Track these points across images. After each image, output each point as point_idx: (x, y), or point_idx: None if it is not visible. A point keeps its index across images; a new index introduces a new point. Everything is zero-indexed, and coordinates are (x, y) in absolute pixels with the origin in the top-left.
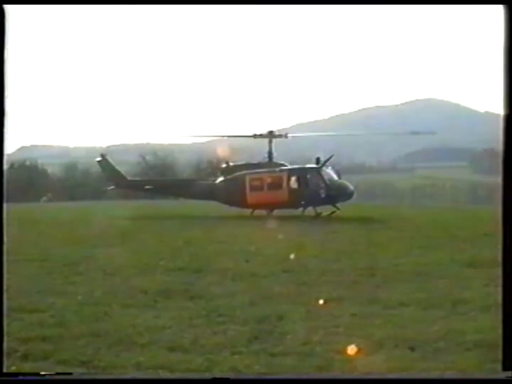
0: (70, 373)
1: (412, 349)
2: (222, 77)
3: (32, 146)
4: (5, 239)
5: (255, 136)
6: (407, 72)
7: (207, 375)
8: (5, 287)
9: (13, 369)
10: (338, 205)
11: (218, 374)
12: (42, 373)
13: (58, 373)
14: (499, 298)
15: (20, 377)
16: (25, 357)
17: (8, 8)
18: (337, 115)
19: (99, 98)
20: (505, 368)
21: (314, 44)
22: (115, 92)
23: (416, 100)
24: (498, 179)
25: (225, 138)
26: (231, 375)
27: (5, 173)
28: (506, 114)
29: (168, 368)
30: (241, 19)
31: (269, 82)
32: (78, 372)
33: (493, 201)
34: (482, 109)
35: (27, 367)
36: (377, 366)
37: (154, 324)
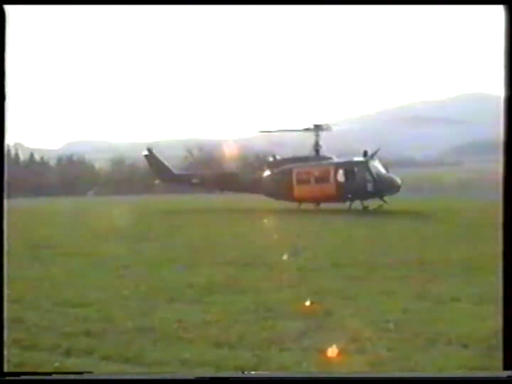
0: (70, 373)
1: (465, 346)
2: (267, 73)
3: (79, 141)
4: (5, 239)
5: (302, 130)
6: (451, 67)
7: (207, 375)
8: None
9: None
10: (385, 198)
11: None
12: (42, 372)
13: (58, 373)
14: None
15: (21, 377)
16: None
17: (8, 8)
18: (384, 110)
19: (145, 94)
20: (506, 367)
21: (358, 41)
22: (159, 88)
23: (462, 94)
24: None
25: (271, 133)
26: (231, 374)
27: (49, 167)
28: (506, 114)
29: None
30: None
31: (315, 77)
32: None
33: None
34: None
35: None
36: (428, 363)
37: (200, 319)
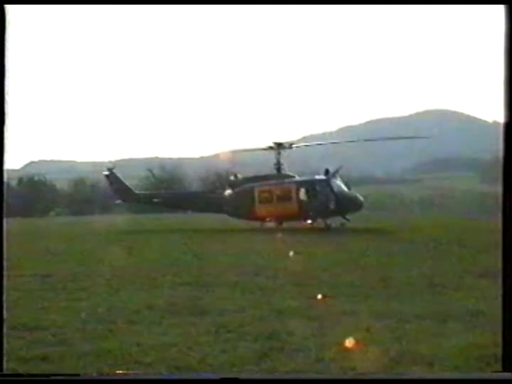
0: (70, 374)
1: (430, 365)
2: (226, 91)
3: (40, 161)
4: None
5: (264, 149)
6: (417, 83)
7: (215, 375)
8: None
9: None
10: (348, 216)
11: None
12: (41, 374)
13: (58, 374)
14: None
15: (20, 377)
16: None
17: (8, 8)
18: (345, 127)
19: (104, 113)
20: (505, 368)
21: (318, 55)
22: (119, 107)
23: (427, 111)
24: None
25: (232, 152)
26: (240, 375)
27: (10, 188)
28: (506, 115)
29: None
30: (245, 28)
31: (274, 96)
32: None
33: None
34: (491, 119)
35: None
36: None
37: (160, 342)
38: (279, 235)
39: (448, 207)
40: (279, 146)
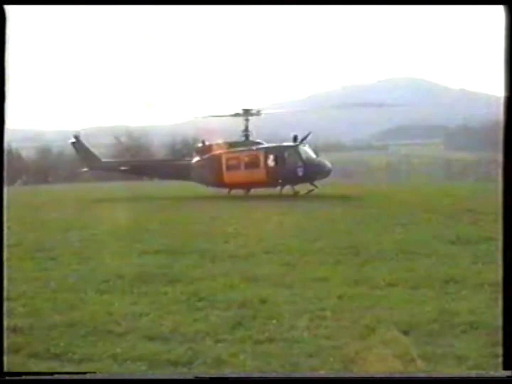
0: (70, 373)
1: (405, 332)
2: (197, 57)
3: (6, 129)
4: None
5: (231, 115)
6: (388, 51)
7: (206, 375)
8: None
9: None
10: (316, 183)
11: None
12: (42, 372)
13: (58, 373)
14: (489, 276)
15: (21, 377)
16: None
17: (8, 8)
18: (314, 94)
19: (71, 80)
20: (505, 367)
21: (290, 22)
22: (85, 74)
23: (394, 78)
24: (471, 155)
25: (199, 119)
26: (230, 374)
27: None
28: (506, 115)
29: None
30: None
31: (243, 63)
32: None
33: (468, 177)
34: (457, 87)
35: None
36: (369, 352)
37: (131, 311)
38: (247, 202)
39: (415, 173)
40: (247, 112)
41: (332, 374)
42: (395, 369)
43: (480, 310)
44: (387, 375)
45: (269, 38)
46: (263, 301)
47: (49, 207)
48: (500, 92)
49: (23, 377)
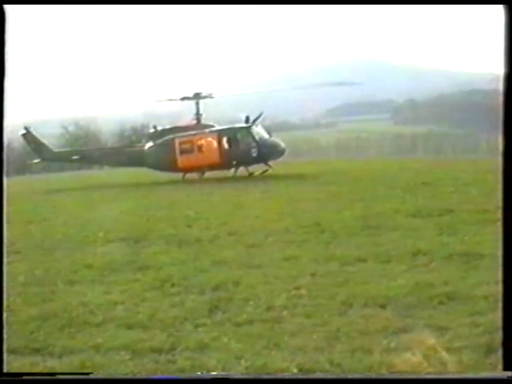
0: (70, 373)
1: (383, 306)
2: (144, 36)
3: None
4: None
5: (181, 99)
6: (333, 31)
7: (207, 375)
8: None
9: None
10: (269, 163)
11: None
12: (43, 373)
13: (58, 373)
14: (456, 247)
15: (21, 377)
16: None
17: (8, 8)
18: (260, 75)
19: (16, 71)
20: (505, 368)
21: (244, 7)
22: (30, 66)
23: (337, 57)
24: (419, 129)
25: (148, 105)
26: (231, 375)
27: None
28: (506, 115)
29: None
30: None
31: (191, 47)
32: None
33: (418, 151)
34: (404, 63)
35: None
36: (351, 327)
37: (105, 301)
38: (203, 185)
39: (365, 149)
40: (197, 95)
41: (332, 375)
42: (378, 343)
43: (453, 280)
44: (387, 375)
45: (227, 18)
46: (237, 283)
47: (4, 200)
48: (444, 65)
49: (23, 377)
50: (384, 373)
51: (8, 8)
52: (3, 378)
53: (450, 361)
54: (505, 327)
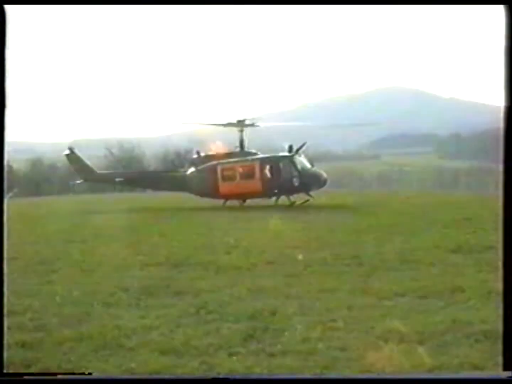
0: (70, 373)
1: (419, 343)
2: (187, 66)
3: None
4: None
5: (225, 125)
6: (373, 60)
7: (207, 375)
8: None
9: None
10: (311, 193)
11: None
12: (43, 373)
13: (59, 373)
14: (498, 285)
15: (21, 377)
16: None
17: (8, 8)
18: (302, 105)
19: (61, 92)
20: (506, 368)
21: (279, 35)
22: (75, 87)
23: (381, 88)
24: (463, 164)
25: (192, 130)
26: (231, 375)
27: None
28: (506, 115)
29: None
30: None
31: (231, 73)
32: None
33: (461, 186)
34: (447, 96)
35: None
36: (386, 363)
37: (140, 325)
38: (243, 213)
39: (408, 182)
40: (241, 123)
41: (332, 375)
42: None
43: (492, 319)
44: (386, 375)
45: (261, 46)
46: (273, 313)
47: (46, 219)
48: (490, 100)
49: (23, 377)
50: (384, 373)
51: (9, 8)
52: (3, 378)
53: None
54: (505, 327)
